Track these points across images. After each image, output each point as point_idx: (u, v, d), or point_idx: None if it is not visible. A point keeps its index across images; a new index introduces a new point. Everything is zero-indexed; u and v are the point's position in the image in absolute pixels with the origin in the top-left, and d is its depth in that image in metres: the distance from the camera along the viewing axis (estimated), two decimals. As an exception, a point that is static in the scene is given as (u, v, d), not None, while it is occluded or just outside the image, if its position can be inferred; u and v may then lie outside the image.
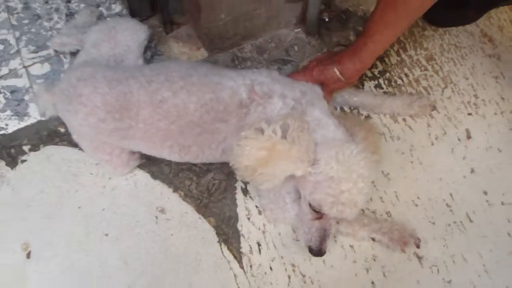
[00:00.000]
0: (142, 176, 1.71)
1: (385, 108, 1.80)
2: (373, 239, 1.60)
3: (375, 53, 1.61)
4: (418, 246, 1.59)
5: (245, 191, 1.69)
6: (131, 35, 1.67)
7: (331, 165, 1.31)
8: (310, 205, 1.40)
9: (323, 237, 1.43)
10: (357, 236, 1.59)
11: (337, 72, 1.60)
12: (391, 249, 1.58)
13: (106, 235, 1.61)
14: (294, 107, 1.45)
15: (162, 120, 1.46)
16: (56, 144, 1.75)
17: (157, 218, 1.64)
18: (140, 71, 1.54)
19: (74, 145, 1.71)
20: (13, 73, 1.88)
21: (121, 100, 1.46)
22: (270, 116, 1.43)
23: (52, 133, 1.77)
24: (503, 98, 1.89)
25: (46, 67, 1.89)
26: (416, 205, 1.67)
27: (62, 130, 1.77)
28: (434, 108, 1.84)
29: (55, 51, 1.91)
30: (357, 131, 1.48)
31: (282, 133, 1.32)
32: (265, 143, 1.31)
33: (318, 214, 1.41)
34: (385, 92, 1.88)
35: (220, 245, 1.60)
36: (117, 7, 2.02)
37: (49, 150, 1.74)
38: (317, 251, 1.43)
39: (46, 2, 2.04)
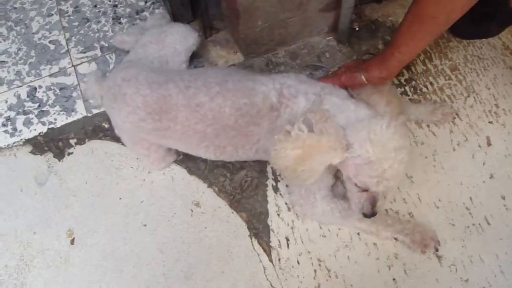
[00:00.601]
0: (179, 171, 1.75)
1: (410, 114, 1.81)
2: (395, 239, 1.62)
3: (402, 63, 1.63)
4: (437, 250, 1.61)
5: (275, 189, 1.72)
6: (180, 39, 1.72)
7: (366, 148, 1.31)
8: (356, 184, 1.42)
9: (373, 202, 1.46)
10: (381, 236, 1.62)
11: (364, 79, 1.64)
12: (412, 250, 1.60)
13: (144, 225, 1.66)
14: (314, 101, 1.48)
15: (199, 123, 1.50)
16: (100, 138, 1.80)
17: (192, 211, 1.68)
18: (180, 75, 1.56)
19: (117, 140, 1.77)
20: (63, 72, 1.95)
21: (161, 103, 1.50)
22: (296, 113, 1.47)
23: (96, 128, 1.82)
24: None
25: (93, 66, 1.96)
26: (437, 207, 1.68)
27: (106, 125, 1.83)
28: (455, 116, 1.85)
29: (102, 51, 1.97)
30: (377, 99, 1.51)
31: (308, 128, 1.32)
32: (296, 142, 1.32)
33: (366, 189, 1.42)
34: (410, 99, 1.89)
35: (251, 238, 1.63)
36: (160, 12, 2.08)
37: (93, 144, 1.80)
38: (371, 214, 1.47)
39: (95, 6, 2.11)
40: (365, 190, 1.43)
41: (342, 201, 1.61)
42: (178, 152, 1.74)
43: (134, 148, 1.70)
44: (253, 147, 1.56)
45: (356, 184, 1.42)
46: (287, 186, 1.71)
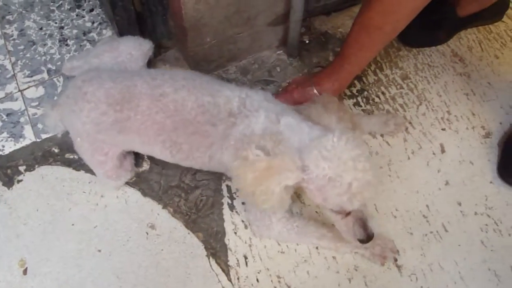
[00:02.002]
0: (133, 194, 1.69)
1: (363, 127, 1.79)
2: (355, 253, 1.60)
3: (352, 74, 1.62)
4: (396, 260, 1.59)
5: (231, 207, 1.68)
6: (134, 45, 1.68)
7: (321, 166, 1.27)
8: (333, 210, 1.37)
9: (363, 224, 1.39)
10: (340, 251, 1.59)
11: (317, 93, 1.62)
12: (372, 262, 1.58)
13: (99, 251, 1.59)
14: (271, 120, 1.43)
15: (159, 113, 1.45)
16: (50, 164, 1.73)
17: (147, 234, 1.63)
18: (147, 71, 1.57)
19: (68, 164, 1.71)
20: (9, 97, 1.87)
21: (124, 92, 1.46)
22: (253, 129, 1.42)
23: (46, 154, 1.75)
24: (474, 114, 1.90)
25: (41, 91, 1.88)
26: (395, 217, 1.66)
27: (56, 150, 1.76)
28: (408, 125, 1.84)
29: (49, 74, 1.90)
30: (327, 117, 1.45)
31: (264, 152, 1.30)
32: (252, 166, 1.29)
33: (345, 212, 1.37)
34: (363, 110, 1.88)
35: (209, 258, 1.58)
36: (107, 32, 2.01)
37: (43, 170, 1.73)
38: (367, 238, 1.40)
39: (41, 29, 2.03)
40: (348, 214, 1.38)
41: (298, 221, 1.59)
42: (132, 167, 1.70)
43: (92, 159, 1.62)
44: (207, 151, 1.50)
45: (332, 210, 1.37)
46: (243, 203, 1.67)
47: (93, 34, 2.02)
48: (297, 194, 1.68)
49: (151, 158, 1.74)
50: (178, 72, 1.55)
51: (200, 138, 1.47)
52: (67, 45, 1.99)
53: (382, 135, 1.82)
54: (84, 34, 2.03)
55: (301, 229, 1.57)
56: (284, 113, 1.44)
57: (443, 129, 1.86)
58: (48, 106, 1.65)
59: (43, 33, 2.03)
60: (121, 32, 1.87)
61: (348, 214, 1.38)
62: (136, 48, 1.68)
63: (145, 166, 1.74)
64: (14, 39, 2.01)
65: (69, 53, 1.96)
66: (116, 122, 1.48)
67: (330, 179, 1.27)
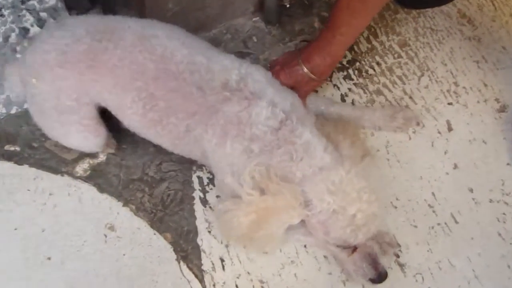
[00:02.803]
0: (87, 190, 1.61)
1: (365, 121, 1.74)
2: None
3: (345, 45, 1.55)
4: (398, 256, 1.55)
5: (204, 201, 1.61)
6: None
7: (326, 200, 1.30)
8: (336, 245, 1.41)
9: (374, 262, 1.41)
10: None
11: (307, 71, 1.53)
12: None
13: (49, 258, 1.51)
14: (283, 121, 1.38)
15: (143, 52, 1.37)
16: None
17: (106, 236, 1.55)
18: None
19: (8, 158, 1.62)
20: None
21: (109, 25, 1.42)
22: (254, 121, 1.36)
23: None
24: (486, 85, 1.84)
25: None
26: (395, 207, 1.61)
27: (-6, 143, 1.71)
28: (418, 122, 1.77)
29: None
30: (341, 139, 1.46)
31: (260, 191, 1.30)
32: (248, 207, 1.30)
33: (350, 247, 1.40)
34: (355, 84, 1.82)
35: (179, 263, 1.52)
36: (51, 0, 1.92)
37: (-19, 169, 1.68)
38: (379, 277, 1.41)
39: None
40: (354, 250, 1.41)
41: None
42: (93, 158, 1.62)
43: (55, 110, 1.47)
44: (185, 119, 1.41)
45: (337, 246, 1.41)
46: (218, 197, 1.61)
47: (33, 2, 1.91)
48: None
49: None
50: (177, 27, 1.51)
51: (181, 100, 1.39)
52: (1, 15, 1.88)
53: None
54: (23, 2, 1.92)
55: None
56: (295, 114, 1.41)
57: (450, 104, 1.80)
58: (11, 64, 1.57)
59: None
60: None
61: (354, 250, 1.40)
62: None
63: (101, 157, 1.66)
64: None
65: (5, 25, 1.86)
66: (89, 51, 1.39)
67: (333, 212, 1.32)
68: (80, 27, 1.40)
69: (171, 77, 1.38)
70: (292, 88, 1.54)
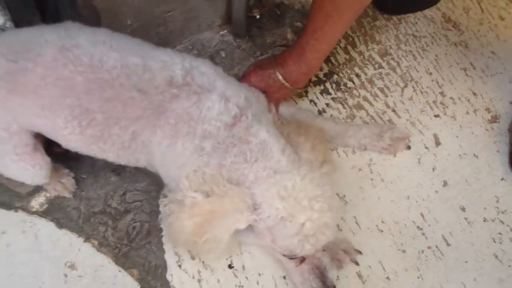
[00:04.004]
0: (44, 226, 1.61)
1: (349, 138, 1.74)
2: None
3: (321, 53, 1.56)
4: (356, 263, 1.57)
5: None
6: None
7: (275, 206, 1.30)
8: (284, 255, 1.41)
9: (321, 275, 1.42)
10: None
11: (280, 77, 1.55)
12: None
13: None
14: (237, 117, 1.37)
15: (68, 65, 1.32)
16: None
17: (66, 276, 1.55)
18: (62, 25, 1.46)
19: None
20: None
21: (23, 40, 1.35)
22: (205, 117, 1.35)
23: None
24: (475, 94, 1.86)
25: None
26: (381, 231, 1.62)
27: None
28: (409, 145, 1.77)
29: None
30: (302, 142, 1.46)
31: (203, 195, 1.30)
32: (192, 209, 1.29)
33: (298, 257, 1.40)
34: (333, 98, 1.83)
35: None
36: (-1, 19, 1.91)
37: None
38: None
39: None
40: (302, 260, 1.42)
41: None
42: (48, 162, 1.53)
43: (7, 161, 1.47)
44: (129, 126, 1.37)
45: (283, 255, 1.41)
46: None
47: None
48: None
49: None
50: (100, 29, 1.45)
51: (121, 107, 1.35)
52: None
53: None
54: None
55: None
56: (251, 110, 1.39)
57: (437, 116, 1.81)
58: None
59: None
60: (16, 18, 1.78)
61: (303, 260, 1.41)
62: None
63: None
64: None
65: None
66: (7, 74, 1.35)
67: (281, 219, 1.31)
68: None
69: (106, 86, 1.34)
70: (264, 90, 1.56)
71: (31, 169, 1.47)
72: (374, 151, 1.74)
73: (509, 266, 1.57)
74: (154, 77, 1.35)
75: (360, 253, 1.56)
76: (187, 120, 1.34)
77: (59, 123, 1.37)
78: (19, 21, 1.75)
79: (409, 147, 1.76)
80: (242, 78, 1.62)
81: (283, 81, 1.55)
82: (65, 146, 1.45)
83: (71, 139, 1.41)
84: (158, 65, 1.36)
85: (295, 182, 1.32)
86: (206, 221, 1.30)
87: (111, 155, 1.44)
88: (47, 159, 1.50)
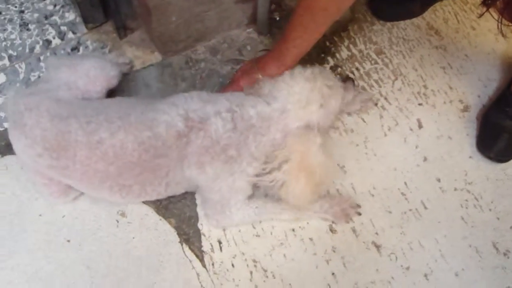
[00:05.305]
0: None
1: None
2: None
3: (299, 56, 1.60)
4: (359, 214, 1.64)
5: None
6: (96, 67, 1.57)
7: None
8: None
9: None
10: (303, 218, 1.62)
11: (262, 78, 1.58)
12: (337, 222, 1.62)
13: (68, 241, 1.57)
14: (233, 119, 1.44)
15: (100, 161, 1.39)
16: (14, 153, 1.64)
17: (118, 222, 1.60)
18: (83, 109, 1.44)
19: None
20: (-31, 85, 1.82)
21: (59, 139, 1.38)
22: (218, 136, 1.42)
23: (10, 143, 1.65)
24: (451, 88, 1.90)
25: (2, 78, 1.84)
26: (372, 195, 1.67)
27: (20, 139, 1.71)
28: (375, 102, 1.84)
29: (10, 61, 1.86)
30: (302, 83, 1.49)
31: (281, 163, 1.43)
32: (292, 171, 1.42)
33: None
34: None
35: (182, 245, 1.57)
36: (70, 15, 1.97)
37: (7, 160, 1.69)
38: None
39: (0, 13, 1.99)
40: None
41: (257, 201, 1.57)
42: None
43: (33, 178, 1.56)
44: (162, 181, 1.47)
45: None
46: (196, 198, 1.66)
47: (55, 18, 1.97)
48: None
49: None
50: (113, 108, 1.47)
51: (151, 175, 1.44)
52: (28, 29, 1.94)
53: (357, 112, 1.83)
54: (46, 17, 1.98)
55: (260, 209, 1.56)
56: (235, 104, 1.47)
57: (420, 104, 1.86)
58: (11, 94, 1.62)
59: (2, 17, 1.97)
60: (84, 14, 1.84)
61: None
62: (97, 72, 1.57)
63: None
64: (-28, 24, 1.96)
65: (31, 38, 1.92)
66: (54, 168, 1.43)
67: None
68: (37, 141, 1.39)
69: (133, 165, 1.40)
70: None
71: (59, 201, 1.60)
72: (351, 113, 1.81)
73: (472, 226, 1.62)
74: (166, 140, 1.40)
75: (360, 206, 1.63)
76: (205, 151, 1.42)
77: (103, 195, 1.50)
78: (86, 17, 1.85)
79: (376, 104, 1.83)
80: (231, 83, 1.67)
81: None
82: None
83: (116, 200, 1.52)
84: (164, 127, 1.40)
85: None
86: (306, 166, 1.41)
87: (152, 199, 1.56)
88: (74, 195, 1.60)
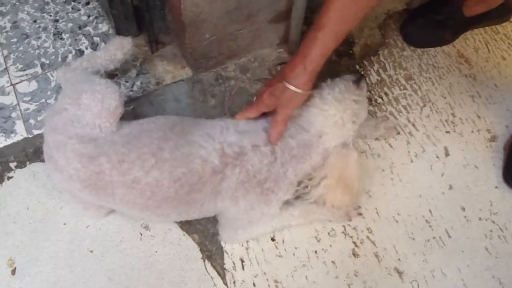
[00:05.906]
0: None
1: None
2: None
3: (326, 49, 1.38)
4: (360, 214, 1.66)
5: None
6: (95, 102, 1.42)
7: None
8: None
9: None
10: (308, 222, 1.62)
11: (288, 85, 1.40)
12: (341, 222, 1.64)
13: (91, 251, 1.57)
14: (273, 152, 1.42)
15: (138, 198, 1.39)
16: (42, 161, 1.68)
17: (141, 235, 1.60)
18: (112, 146, 1.39)
19: None
20: (1, 91, 1.83)
21: (94, 179, 1.37)
22: (255, 171, 1.40)
23: (38, 150, 1.71)
24: (479, 117, 1.88)
25: (33, 85, 1.84)
26: (397, 221, 1.65)
27: (48, 147, 1.71)
28: (398, 130, 1.83)
29: (42, 69, 1.87)
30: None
31: (322, 177, 1.44)
32: (329, 183, 1.44)
33: None
34: None
35: (204, 261, 1.56)
36: (103, 27, 1.99)
37: (35, 167, 1.69)
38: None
39: (35, 21, 2.00)
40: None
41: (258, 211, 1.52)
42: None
43: (68, 195, 1.55)
44: (196, 211, 1.48)
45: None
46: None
47: (88, 28, 1.99)
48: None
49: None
50: (144, 142, 1.41)
51: (187, 207, 1.45)
52: (61, 38, 1.96)
53: (384, 138, 1.82)
54: (80, 28, 2.00)
55: (261, 218, 1.54)
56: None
57: (448, 132, 1.84)
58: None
59: (37, 25, 2.00)
60: (118, 26, 1.85)
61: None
62: (98, 104, 1.42)
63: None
64: (7, 31, 1.98)
65: (64, 47, 1.94)
66: (95, 201, 1.47)
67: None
68: (73, 179, 1.38)
69: (170, 199, 1.40)
70: (276, 107, 1.43)
71: (92, 215, 1.60)
72: (372, 139, 1.79)
73: (496, 257, 1.59)
74: (201, 175, 1.37)
75: (360, 207, 1.65)
76: (241, 186, 1.40)
77: (144, 219, 1.58)
78: (120, 29, 1.85)
79: (398, 132, 1.81)
80: (256, 100, 1.53)
81: (292, 88, 1.39)
82: None
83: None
84: (198, 163, 1.37)
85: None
86: (343, 179, 1.43)
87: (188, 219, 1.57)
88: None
